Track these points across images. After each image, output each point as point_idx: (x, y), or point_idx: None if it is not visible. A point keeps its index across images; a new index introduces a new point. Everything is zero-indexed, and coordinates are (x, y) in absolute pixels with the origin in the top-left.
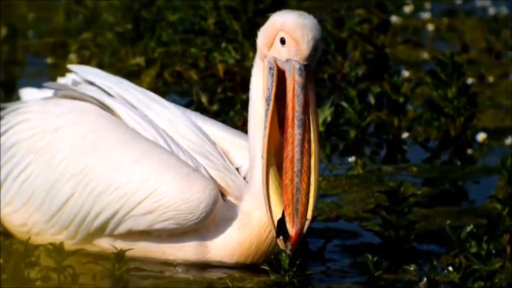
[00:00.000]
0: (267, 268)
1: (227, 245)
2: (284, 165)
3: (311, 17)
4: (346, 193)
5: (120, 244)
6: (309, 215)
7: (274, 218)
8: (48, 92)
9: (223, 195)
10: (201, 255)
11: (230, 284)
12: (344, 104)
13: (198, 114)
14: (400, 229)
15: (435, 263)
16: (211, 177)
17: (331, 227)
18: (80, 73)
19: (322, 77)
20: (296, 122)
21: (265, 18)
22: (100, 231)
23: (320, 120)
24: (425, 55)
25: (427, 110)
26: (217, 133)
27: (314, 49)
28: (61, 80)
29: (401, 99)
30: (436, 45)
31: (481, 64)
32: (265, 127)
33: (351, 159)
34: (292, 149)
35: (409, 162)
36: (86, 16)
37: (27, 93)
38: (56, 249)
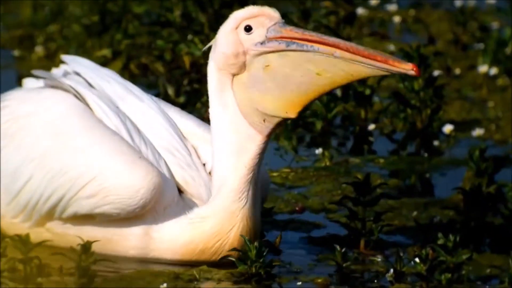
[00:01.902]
0: (234, 259)
1: (173, 241)
2: (342, 49)
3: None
4: (313, 184)
5: (70, 229)
6: None
7: None
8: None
9: (180, 191)
10: (145, 246)
11: (197, 276)
12: None
13: (176, 109)
14: (366, 220)
15: (401, 254)
16: (169, 172)
17: (296, 219)
18: (70, 64)
19: None
20: (319, 37)
21: (231, 10)
22: (51, 214)
23: None
24: (392, 47)
25: (394, 102)
26: (190, 128)
27: None
28: (54, 70)
29: (368, 91)
30: (403, 37)
31: (448, 56)
32: (311, 46)
33: (318, 151)
34: (331, 40)
35: (376, 154)
36: (52, 9)
37: (29, 83)
38: (22, 241)
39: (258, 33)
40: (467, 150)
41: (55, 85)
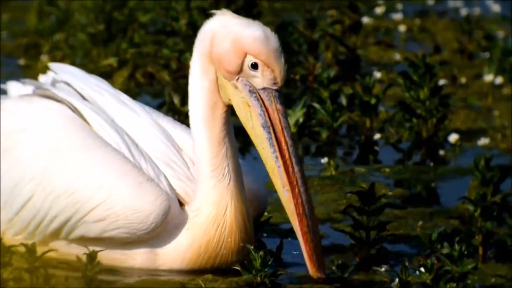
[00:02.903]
0: (239, 268)
1: (178, 249)
2: (296, 211)
3: (272, 33)
4: (319, 194)
5: (75, 250)
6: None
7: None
8: (29, 88)
9: (181, 204)
10: (152, 262)
11: (203, 285)
12: (316, 105)
13: (170, 119)
14: (371, 230)
15: (407, 264)
16: (170, 186)
17: None
18: (58, 72)
19: (294, 78)
20: (293, 158)
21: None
22: (55, 234)
23: (292, 122)
24: (397, 56)
25: (399, 111)
26: (185, 139)
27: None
28: (42, 78)
29: (373, 100)
30: (408, 46)
31: (454, 65)
32: (276, 157)
33: (324, 160)
34: (299, 192)
35: (382, 163)
36: (58, 17)
37: (12, 87)
38: (29, 250)
39: (256, 80)
40: (472, 159)
41: (47, 95)
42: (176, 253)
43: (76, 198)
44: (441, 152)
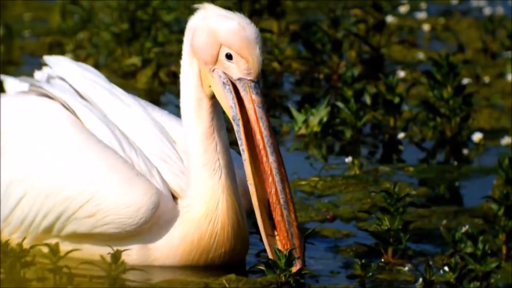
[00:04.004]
0: (263, 268)
1: (170, 244)
2: (270, 200)
3: (249, 23)
4: (343, 193)
5: (67, 246)
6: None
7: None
8: (25, 85)
9: (175, 198)
10: (145, 258)
11: (226, 285)
12: (340, 104)
13: (164, 112)
14: (395, 229)
15: (430, 263)
16: (162, 180)
17: (326, 227)
18: (53, 67)
19: (318, 78)
20: (268, 149)
21: (260, 18)
22: (48, 232)
23: (316, 120)
24: (421, 55)
25: (423, 110)
26: (180, 133)
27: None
28: (37, 73)
29: (397, 99)
30: (432, 45)
31: (477, 64)
32: (242, 150)
33: (348, 159)
34: (273, 181)
35: (405, 162)
36: (82, 16)
37: (9, 83)
38: (52, 250)
39: (232, 71)
40: (496, 158)
41: (41, 93)
42: (168, 248)
43: (66, 195)
44: (465, 151)
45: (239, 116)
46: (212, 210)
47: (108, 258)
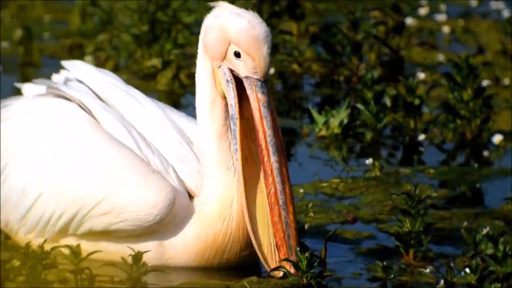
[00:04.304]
0: (285, 270)
1: (184, 242)
2: (268, 200)
3: (260, 22)
4: (364, 195)
5: (84, 245)
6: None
7: (262, 249)
8: (43, 88)
9: (191, 196)
10: (160, 256)
11: (248, 287)
12: (360, 106)
13: (182, 114)
14: (416, 231)
15: (452, 265)
16: (179, 179)
17: (347, 229)
18: (70, 70)
19: (338, 80)
20: (270, 148)
21: (280, 20)
22: (64, 231)
23: (337, 122)
24: (441, 57)
25: (443, 112)
26: (197, 133)
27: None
28: (55, 76)
29: (417, 101)
30: (452, 47)
31: (496, 66)
32: (236, 150)
33: (368, 161)
34: (273, 181)
35: (426, 164)
36: (101, 18)
37: (28, 89)
38: (73, 252)
39: (240, 68)
40: None
41: (58, 94)
42: (183, 246)
43: (81, 193)
44: (485, 153)
45: (237, 115)
46: (226, 208)
47: (129, 260)
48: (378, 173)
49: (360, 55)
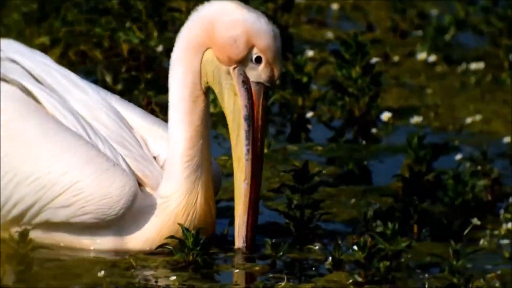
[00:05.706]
0: (171, 247)
1: (145, 235)
2: (250, 197)
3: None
4: None
5: (36, 233)
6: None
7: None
8: None
9: (140, 185)
10: (119, 247)
11: (134, 264)
12: None
13: (118, 98)
14: (305, 208)
15: (340, 242)
16: (128, 167)
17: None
18: (4, 49)
19: None
20: (260, 154)
21: None
22: (18, 220)
23: None
24: (330, 35)
25: (331, 90)
26: (136, 120)
27: None
28: None
29: (305, 79)
30: (341, 24)
31: (386, 43)
32: (247, 150)
33: None
34: (255, 182)
35: (314, 141)
36: None
37: None
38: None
39: (254, 73)
40: (405, 137)
41: None
42: (144, 239)
43: (40, 184)
44: (374, 130)
45: (250, 116)
46: (191, 204)
47: (16, 236)
48: (266, 150)
49: None
